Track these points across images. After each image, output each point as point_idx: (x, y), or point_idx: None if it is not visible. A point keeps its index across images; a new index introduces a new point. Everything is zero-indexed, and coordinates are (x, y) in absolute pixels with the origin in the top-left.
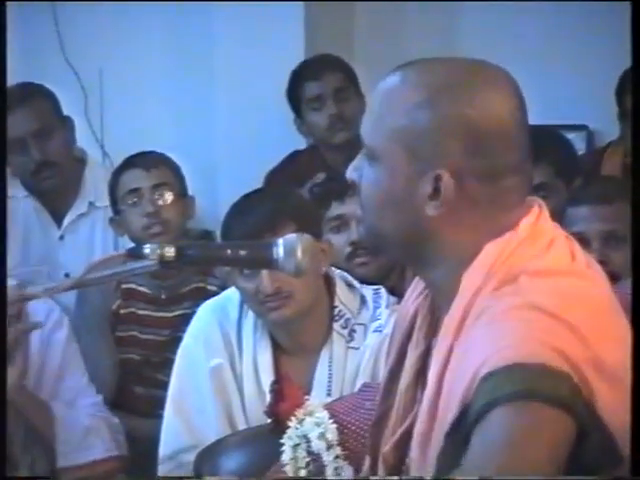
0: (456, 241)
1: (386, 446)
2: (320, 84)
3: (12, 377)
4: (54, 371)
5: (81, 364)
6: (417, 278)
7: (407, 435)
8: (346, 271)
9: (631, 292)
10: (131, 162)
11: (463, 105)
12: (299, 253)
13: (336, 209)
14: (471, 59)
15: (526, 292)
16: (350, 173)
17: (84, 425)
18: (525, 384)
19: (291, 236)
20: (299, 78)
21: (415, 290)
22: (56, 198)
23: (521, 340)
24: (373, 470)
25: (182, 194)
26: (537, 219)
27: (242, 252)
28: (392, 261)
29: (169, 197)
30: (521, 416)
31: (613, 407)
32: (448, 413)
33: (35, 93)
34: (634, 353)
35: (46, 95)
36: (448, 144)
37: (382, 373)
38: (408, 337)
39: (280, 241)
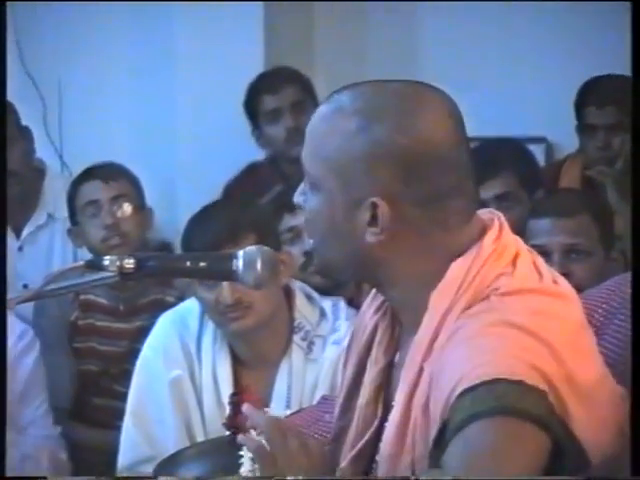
0: (407, 265)
1: (344, 461)
2: (277, 97)
3: None
4: (15, 395)
5: (43, 391)
6: (374, 291)
7: (366, 451)
8: (301, 281)
9: (631, 292)
10: (90, 173)
11: (393, 132)
12: (259, 265)
13: (288, 221)
14: (406, 82)
15: (500, 310)
16: (297, 197)
17: (24, 453)
18: (503, 400)
19: (251, 248)
20: (256, 91)
21: (373, 304)
22: (15, 209)
23: (499, 357)
24: None
25: (141, 206)
26: (499, 235)
27: (202, 264)
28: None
29: (128, 209)
30: (499, 431)
31: (586, 424)
32: (424, 431)
33: None
34: (634, 353)
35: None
36: (380, 171)
37: (339, 387)
38: (367, 352)
39: (240, 253)
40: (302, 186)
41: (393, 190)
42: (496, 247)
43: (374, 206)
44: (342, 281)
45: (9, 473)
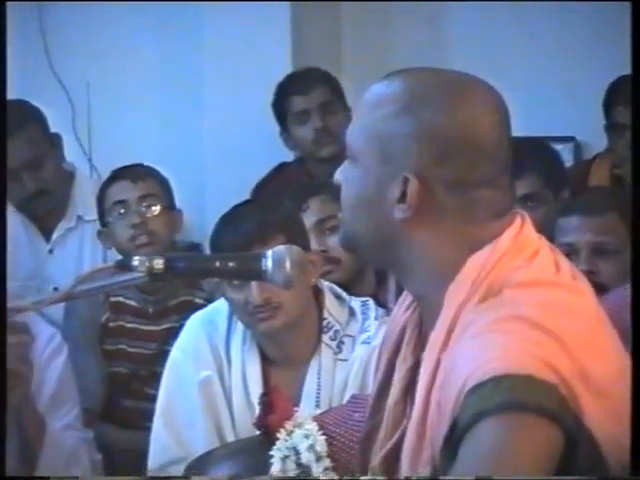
0: (428, 249)
1: (375, 460)
2: (306, 98)
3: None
4: (46, 399)
5: (74, 394)
6: (405, 291)
7: (396, 449)
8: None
9: (631, 293)
10: (118, 174)
11: (437, 113)
12: (288, 265)
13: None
14: (459, 72)
15: (511, 304)
16: (337, 175)
17: (69, 448)
18: (513, 395)
19: (280, 248)
20: (285, 92)
21: (404, 303)
22: (45, 212)
23: (508, 352)
24: None
25: (169, 206)
26: (519, 231)
27: (231, 264)
28: (358, 267)
29: (156, 209)
30: (509, 427)
31: (599, 418)
32: (438, 428)
33: (26, 119)
34: (634, 353)
35: (35, 119)
36: (418, 149)
37: (371, 387)
38: (396, 352)
39: (269, 253)
40: (343, 165)
41: (425, 168)
42: (514, 243)
43: (405, 181)
44: (364, 259)
45: (50, 467)
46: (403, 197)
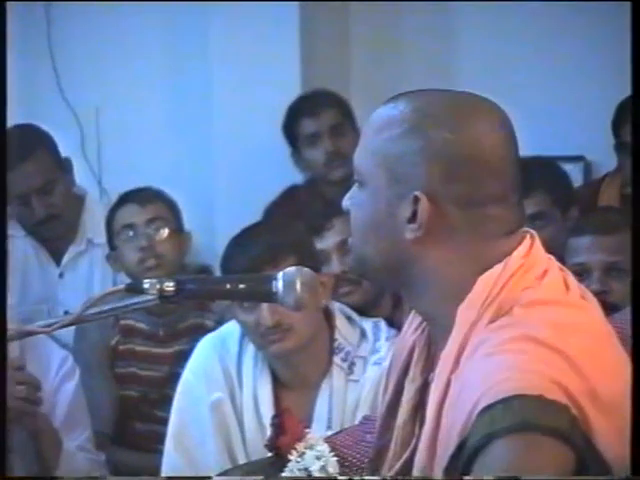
0: (439, 269)
1: None
2: (316, 121)
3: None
4: (59, 422)
5: (86, 417)
6: (414, 312)
7: (405, 469)
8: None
9: (631, 291)
10: (126, 198)
11: (445, 130)
12: (298, 287)
13: (316, 245)
14: (464, 92)
15: (521, 323)
16: (345, 202)
17: (84, 468)
18: (524, 416)
19: (290, 269)
20: (295, 114)
21: (412, 323)
22: (55, 237)
23: (518, 372)
24: None
25: (178, 229)
26: (529, 250)
27: (241, 286)
28: (377, 288)
29: (164, 232)
30: (520, 448)
31: (609, 438)
32: (446, 447)
33: (36, 145)
34: (634, 352)
35: (46, 144)
36: (427, 167)
37: (379, 407)
38: (405, 371)
39: (280, 275)
40: (351, 191)
41: (435, 187)
42: (524, 262)
43: (415, 201)
44: (375, 283)
45: None
46: (414, 217)
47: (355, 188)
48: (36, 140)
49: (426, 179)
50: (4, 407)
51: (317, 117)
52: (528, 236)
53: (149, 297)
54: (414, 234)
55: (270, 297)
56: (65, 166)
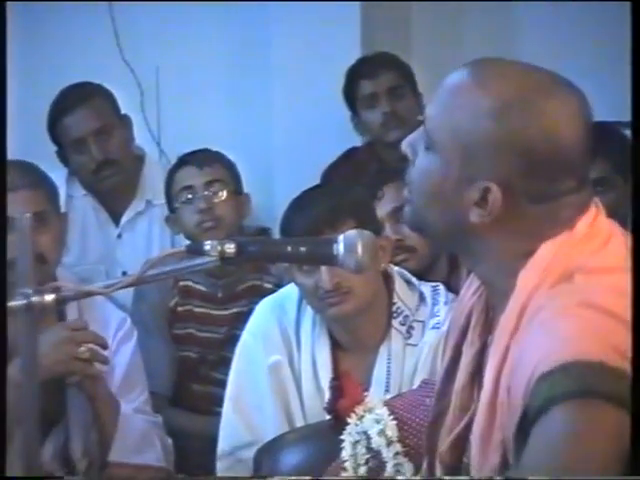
0: (504, 244)
1: (443, 446)
2: (375, 82)
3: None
4: (116, 384)
5: (143, 379)
6: (472, 275)
7: (464, 434)
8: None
9: (631, 291)
10: (184, 160)
11: (529, 126)
12: (359, 250)
13: None
14: (545, 71)
15: (582, 290)
16: (405, 147)
17: (141, 430)
18: (583, 382)
19: (352, 232)
20: (355, 76)
21: (471, 287)
22: (114, 197)
23: (578, 338)
24: (430, 469)
25: (236, 191)
26: (595, 218)
27: (302, 248)
28: (433, 255)
29: (222, 194)
30: (580, 414)
31: None
32: (509, 413)
33: (94, 92)
34: (634, 352)
35: (105, 94)
36: (505, 160)
37: (438, 372)
38: (463, 336)
39: (341, 237)
40: (413, 136)
41: (512, 181)
42: (589, 230)
43: (487, 190)
44: (433, 242)
45: (124, 448)
46: (482, 202)
47: (419, 140)
48: (93, 89)
49: (501, 170)
50: (4, 407)
51: (375, 79)
52: (593, 204)
53: (210, 259)
54: (480, 219)
55: (331, 260)
56: (124, 121)
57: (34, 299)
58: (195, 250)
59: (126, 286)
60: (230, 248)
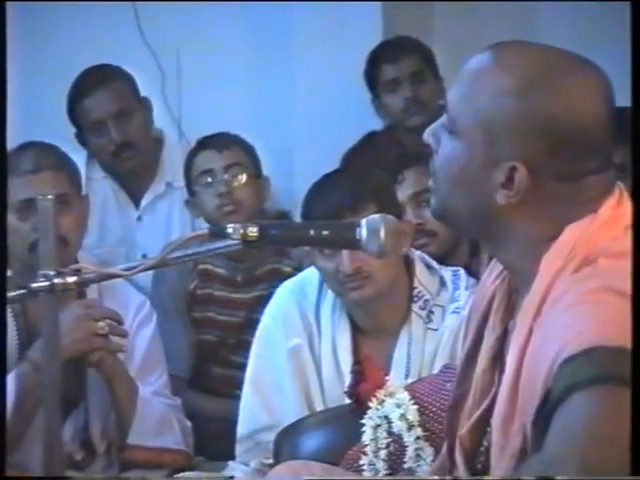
0: (529, 228)
1: (463, 429)
2: (396, 67)
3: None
4: (136, 367)
5: (162, 362)
6: (494, 260)
7: (484, 418)
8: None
9: (631, 290)
10: (204, 143)
11: (553, 103)
12: (382, 234)
13: None
14: (567, 51)
15: (605, 275)
16: (427, 136)
17: (160, 413)
18: (605, 367)
19: (374, 217)
20: (376, 60)
21: (492, 272)
22: (134, 179)
23: (600, 323)
24: (450, 453)
25: (256, 175)
26: (618, 202)
27: (325, 232)
28: (454, 239)
29: (242, 177)
30: (602, 400)
31: None
32: (530, 398)
33: (114, 75)
34: (634, 352)
35: (125, 76)
36: (529, 138)
37: (459, 356)
38: (485, 320)
39: (363, 222)
40: (434, 126)
41: (537, 160)
42: (613, 213)
43: (513, 170)
44: (457, 230)
45: (143, 431)
46: (509, 183)
47: (441, 128)
48: (113, 71)
49: (527, 150)
50: (4, 407)
51: (397, 63)
52: (617, 188)
53: (231, 242)
54: (507, 200)
55: (353, 244)
56: (144, 103)
57: (56, 281)
58: (218, 233)
59: (148, 269)
60: (253, 231)
